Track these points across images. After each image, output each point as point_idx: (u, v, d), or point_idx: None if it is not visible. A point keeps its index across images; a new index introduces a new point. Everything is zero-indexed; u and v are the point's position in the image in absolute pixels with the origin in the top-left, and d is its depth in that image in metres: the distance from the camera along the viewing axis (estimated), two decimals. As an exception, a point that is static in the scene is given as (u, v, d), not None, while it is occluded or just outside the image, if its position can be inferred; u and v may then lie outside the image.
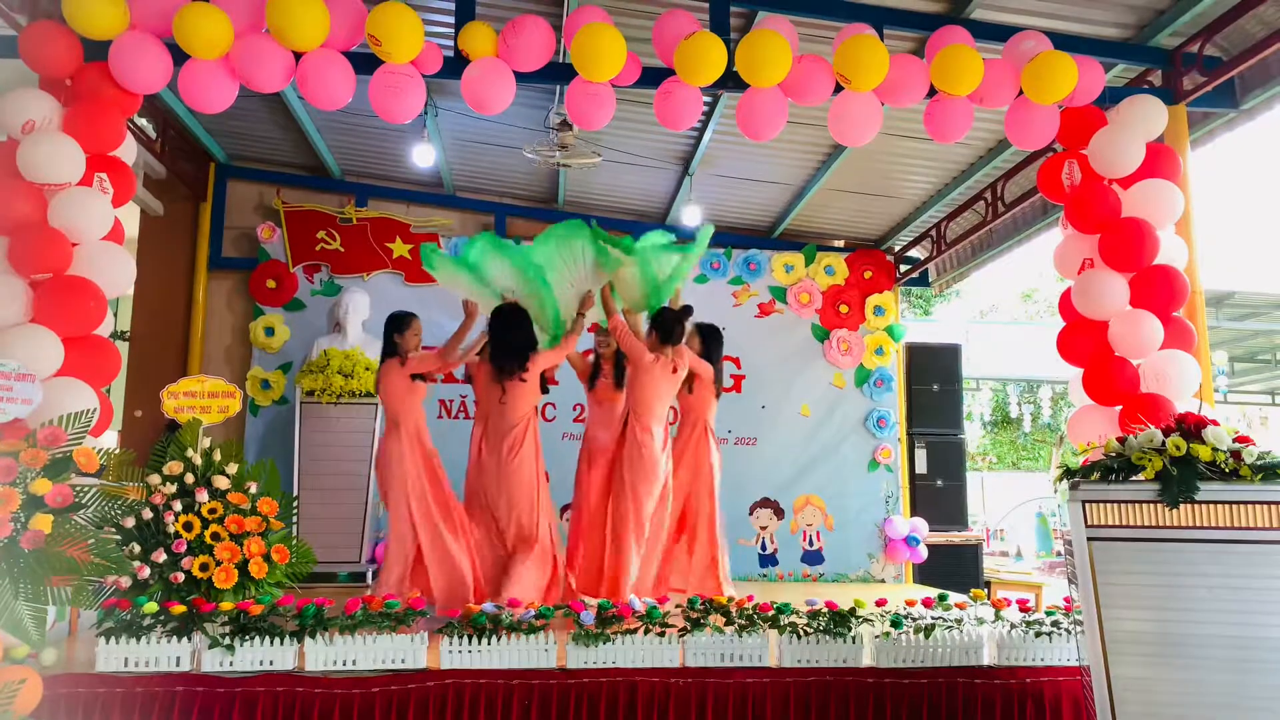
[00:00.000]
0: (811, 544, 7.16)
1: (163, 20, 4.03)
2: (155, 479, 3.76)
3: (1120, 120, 4.43)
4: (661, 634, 3.47)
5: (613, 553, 4.93)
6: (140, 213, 6.83)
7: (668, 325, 5.00)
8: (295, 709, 3.24)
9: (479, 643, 3.38)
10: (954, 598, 3.91)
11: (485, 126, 6.10)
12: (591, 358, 5.53)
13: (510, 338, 4.85)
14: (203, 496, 3.76)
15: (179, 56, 4.12)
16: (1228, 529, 2.80)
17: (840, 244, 7.86)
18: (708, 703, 3.37)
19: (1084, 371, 4.41)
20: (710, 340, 5.40)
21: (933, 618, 3.67)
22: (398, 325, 4.97)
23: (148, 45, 4.10)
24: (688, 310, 5.17)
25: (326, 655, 3.33)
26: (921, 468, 7.49)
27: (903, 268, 7.88)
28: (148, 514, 3.70)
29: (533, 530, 4.79)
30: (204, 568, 3.64)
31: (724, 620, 3.58)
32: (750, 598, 3.73)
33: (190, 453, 3.85)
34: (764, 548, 7.15)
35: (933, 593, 3.88)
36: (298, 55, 4.14)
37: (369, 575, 6.29)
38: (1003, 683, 3.49)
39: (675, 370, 5.00)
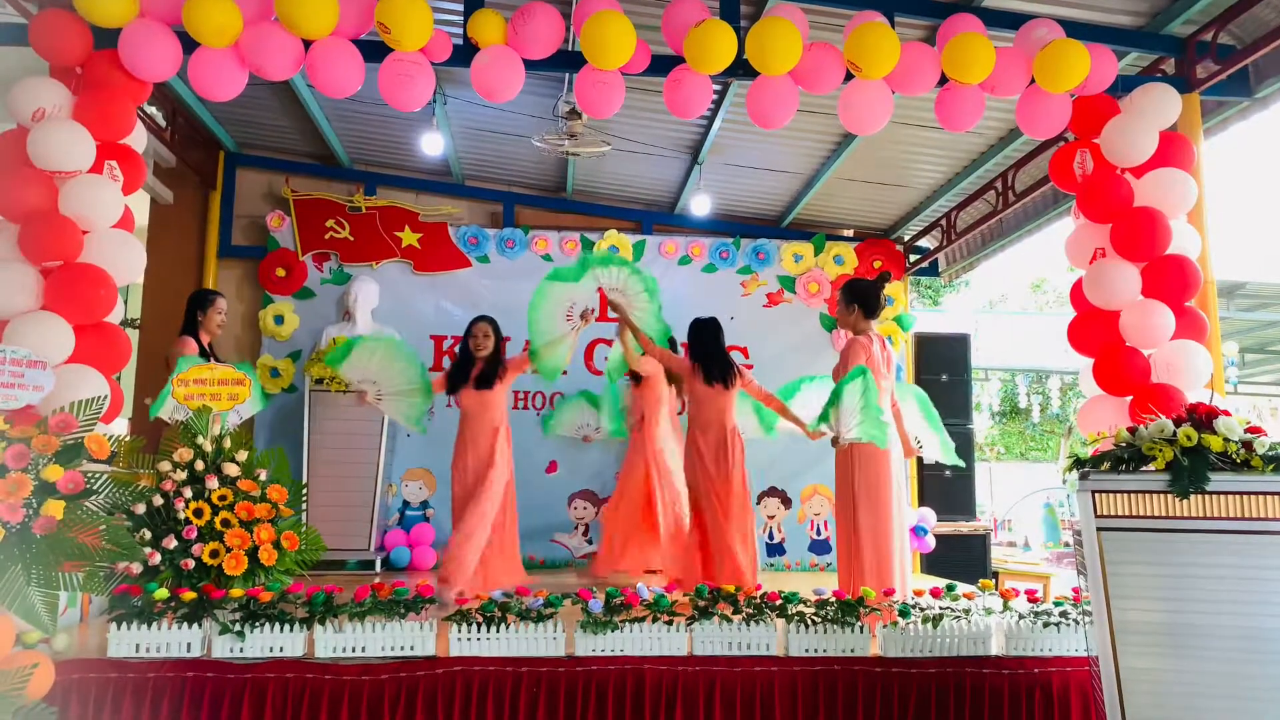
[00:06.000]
0: (819, 533, 7.16)
1: (172, 8, 4.03)
2: (166, 465, 3.78)
3: (1133, 109, 4.39)
4: (669, 622, 3.48)
5: None
6: (150, 201, 6.84)
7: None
8: (305, 696, 3.26)
9: (488, 631, 3.39)
10: (962, 588, 3.91)
11: (494, 115, 6.09)
12: None
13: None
14: (213, 483, 3.77)
15: (188, 45, 4.12)
16: (1238, 519, 2.79)
17: (849, 233, 7.83)
18: (715, 691, 3.38)
19: (1095, 361, 4.39)
20: None
21: (940, 608, 3.67)
22: None
23: (157, 33, 4.09)
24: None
25: (335, 642, 3.35)
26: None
27: (912, 257, 7.85)
28: (158, 500, 3.72)
29: None
30: (214, 554, 3.66)
31: (731, 609, 3.59)
32: (758, 586, 3.74)
33: (200, 439, 3.87)
34: (771, 537, 7.16)
35: (941, 582, 3.88)
36: (307, 43, 4.14)
37: (378, 563, 6.33)
38: (1010, 673, 3.49)
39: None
